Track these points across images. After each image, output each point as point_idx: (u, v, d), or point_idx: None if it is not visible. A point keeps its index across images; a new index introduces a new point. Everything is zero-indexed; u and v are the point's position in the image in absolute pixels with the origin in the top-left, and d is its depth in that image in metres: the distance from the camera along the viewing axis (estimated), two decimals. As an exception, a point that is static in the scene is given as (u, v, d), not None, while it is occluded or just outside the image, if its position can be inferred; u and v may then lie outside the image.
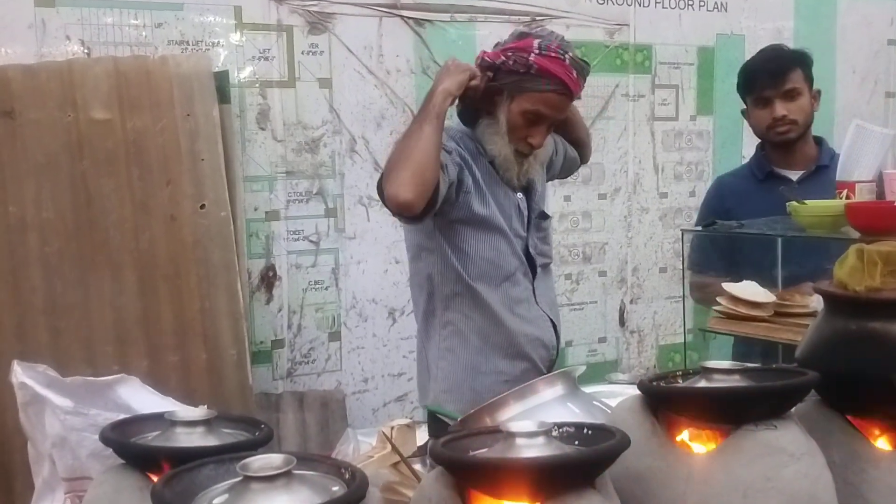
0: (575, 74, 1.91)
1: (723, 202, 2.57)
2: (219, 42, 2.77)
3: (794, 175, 2.48)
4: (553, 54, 1.88)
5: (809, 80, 2.46)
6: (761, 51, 2.57)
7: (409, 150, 1.81)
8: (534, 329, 2.08)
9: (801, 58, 2.48)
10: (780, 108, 2.41)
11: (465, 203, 1.96)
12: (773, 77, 2.41)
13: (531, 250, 2.10)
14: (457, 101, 1.96)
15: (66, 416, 1.36)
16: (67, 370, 1.58)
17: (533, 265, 2.11)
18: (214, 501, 0.92)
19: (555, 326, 2.14)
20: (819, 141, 2.55)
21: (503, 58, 1.90)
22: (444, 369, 2.05)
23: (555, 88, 1.90)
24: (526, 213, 2.08)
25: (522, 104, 1.91)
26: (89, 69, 2.49)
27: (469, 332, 2.03)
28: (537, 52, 1.87)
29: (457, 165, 1.93)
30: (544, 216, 2.16)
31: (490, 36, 2.93)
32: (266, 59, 2.84)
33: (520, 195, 2.06)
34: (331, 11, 2.92)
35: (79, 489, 1.34)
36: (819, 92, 2.50)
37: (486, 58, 1.94)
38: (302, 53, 2.89)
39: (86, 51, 2.59)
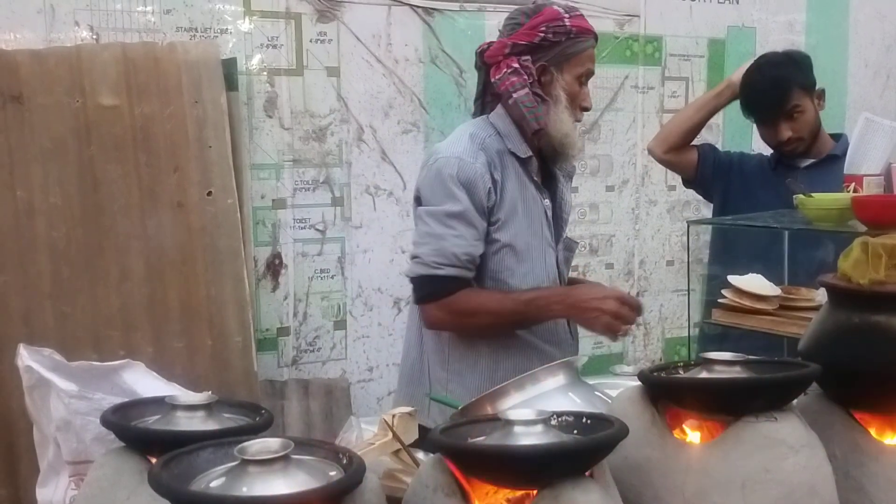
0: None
1: (742, 167, 2.63)
2: (227, 29, 2.77)
3: (804, 162, 2.49)
4: (577, 13, 1.95)
5: (810, 86, 2.44)
6: (756, 72, 2.48)
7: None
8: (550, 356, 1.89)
9: (797, 68, 2.43)
10: (785, 131, 2.42)
11: (492, 237, 1.90)
12: (771, 107, 2.40)
13: (560, 266, 2.01)
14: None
15: (71, 399, 1.37)
16: (73, 355, 1.59)
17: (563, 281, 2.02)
18: (212, 484, 0.93)
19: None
20: (837, 137, 2.55)
21: (540, 34, 1.89)
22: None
23: (591, 43, 1.96)
24: (552, 221, 1.99)
25: (573, 70, 1.92)
26: (97, 55, 2.49)
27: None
28: (568, 15, 1.91)
29: (487, 195, 1.86)
30: (571, 244, 2.11)
31: (499, 26, 2.90)
32: (274, 46, 2.84)
33: (546, 202, 1.98)
34: (340, 0, 2.92)
35: (83, 472, 1.34)
36: (823, 91, 2.48)
37: (519, 41, 1.91)
38: (310, 41, 2.89)
39: (94, 36, 2.59)
